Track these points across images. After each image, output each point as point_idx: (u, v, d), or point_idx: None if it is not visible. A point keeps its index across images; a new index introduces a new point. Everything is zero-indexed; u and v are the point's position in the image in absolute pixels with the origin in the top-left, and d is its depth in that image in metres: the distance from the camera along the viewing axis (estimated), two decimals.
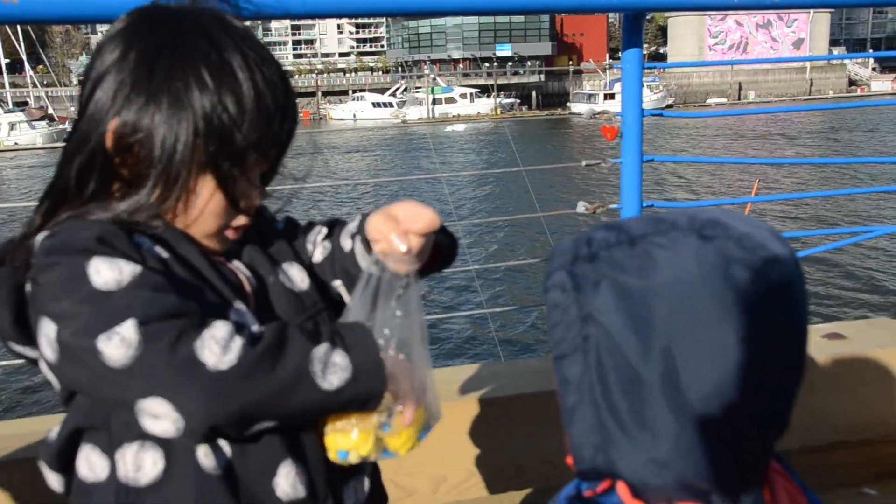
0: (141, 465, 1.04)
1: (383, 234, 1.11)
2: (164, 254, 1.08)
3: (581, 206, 2.69)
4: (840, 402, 2.52)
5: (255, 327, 1.01)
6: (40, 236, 1.05)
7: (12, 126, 50.17)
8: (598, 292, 0.79)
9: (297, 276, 1.25)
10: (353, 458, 1.11)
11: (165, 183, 1.07)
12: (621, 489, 0.81)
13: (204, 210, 1.10)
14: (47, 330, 0.96)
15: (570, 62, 79.82)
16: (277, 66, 1.11)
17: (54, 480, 1.14)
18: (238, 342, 0.94)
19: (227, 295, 1.10)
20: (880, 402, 2.57)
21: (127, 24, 1.09)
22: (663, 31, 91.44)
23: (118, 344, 0.91)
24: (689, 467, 0.76)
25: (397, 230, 1.09)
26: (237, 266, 1.18)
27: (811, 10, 67.90)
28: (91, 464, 1.08)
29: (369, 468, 1.25)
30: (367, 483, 1.23)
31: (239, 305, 1.11)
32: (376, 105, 67.27)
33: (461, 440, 2.24)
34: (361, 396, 1.02)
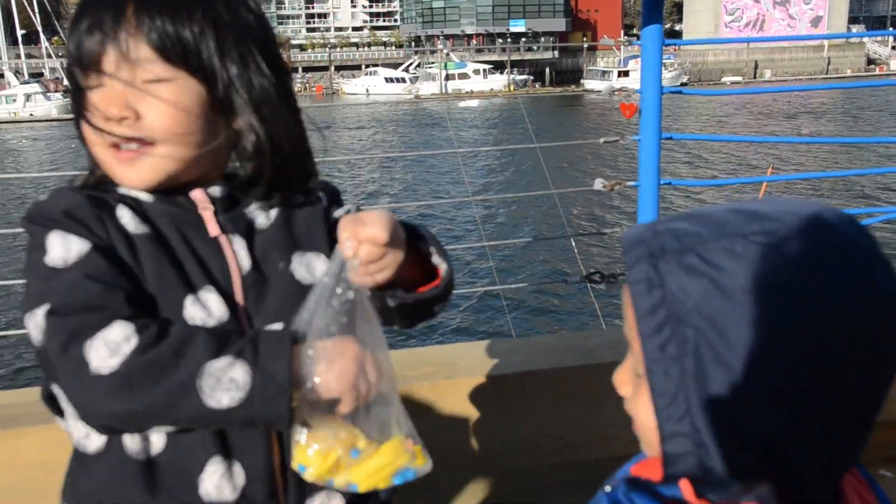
0: (88, 432, 1.08)
1: (340, 237, 1.04)
2: (139, 228, 1.07)
3: (598, 184, 2.67)
4: None
5: (176, 325, 0.99)
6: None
7: (28, 97, 50.35)
8: (693, 289, 0.74)
9: (320, 269, 1.17)
10: (308, 477, 1.02)
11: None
12: (684, 486, 0.79)
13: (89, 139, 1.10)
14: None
15: (585, 38, 79.19)
16: None
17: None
18: (128, 347, 0.93)
19: (196, 278, 1.08)
20: None
21: None
22: (678, 7, 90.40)
23: (34, 326, 0.98)
24: (774, 468, 0.73)
25: (352, 233, 1.02)
26: (236, 245, 1.13)
27: None
28: (67, 422, 1.12)
29: None
30: (340, 500, 1.15)
31: (206, 291, 1.07)
32: (389, 80, 67.09)
33: (473, 415, 2.23)
34: (259, 419, 0.95)
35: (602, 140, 2.72)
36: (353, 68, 78.00)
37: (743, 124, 39.34)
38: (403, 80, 67.80)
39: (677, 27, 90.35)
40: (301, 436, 1.00)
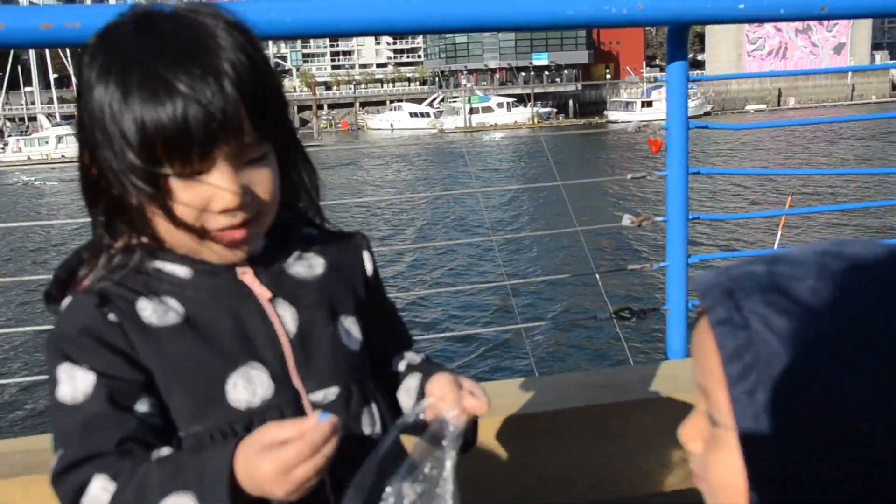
0: None
1: (439, 405, 1.07)
2: (165, 318, 1.07)
3: (626, 220, 2.68)
4: None
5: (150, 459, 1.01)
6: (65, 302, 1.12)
7: (60, 139, 51.43)
8: (782, 330, 0.69)
9: (354, 331, 1.19)
10: None
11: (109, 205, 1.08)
12: None
13: (165, 224, 1.05)
14: None
15: (608, 70, 79.52)
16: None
17: None
18: (106, 497, 0.98)
19: (239, 356, 1.08)
20: None
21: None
22: (700, 37, 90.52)
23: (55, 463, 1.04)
24: None
25: (454, 402, 1.07)
26: (281, 310, 1.12)
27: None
28: None
29: None
30: None
31: (250, 368, 1.08)
32: (413, 115, 67.56)
33: (508, 453, 2.23)
34: None
35: (630, 176, 2.73)
36: (377, 104, 78.64)
37: (774, 150, 39.14)
38: (428, 115, 68.19)
39: (700, 57, 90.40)
40: None
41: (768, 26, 74.98)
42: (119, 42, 1.02)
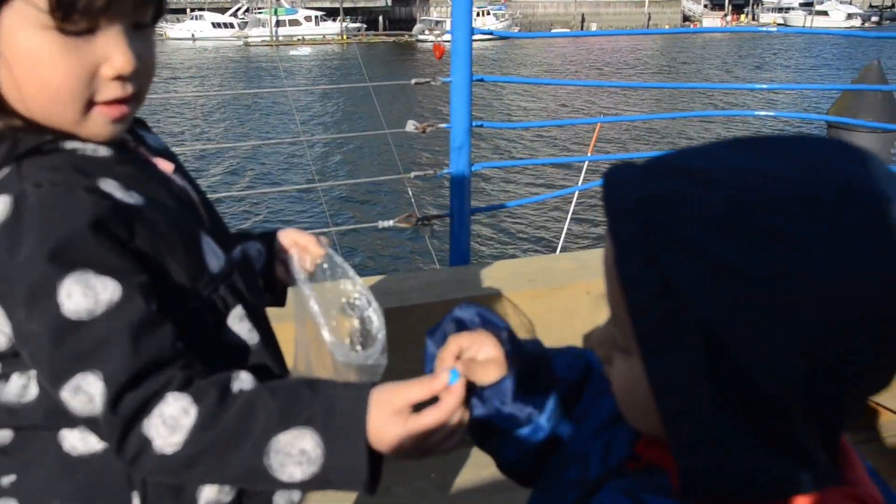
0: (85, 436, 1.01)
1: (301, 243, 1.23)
2: (129, 197, 0.93)
3: (410, 126, 2.65)
4: None
5: (238, 384, 0.92)
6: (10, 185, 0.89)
7: None
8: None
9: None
10: None
11: None
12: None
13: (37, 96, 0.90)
14: (11, 314, 0.89)
15: None
16: None
17: None
18: (188, 421, 0.87)
19: (194, 221, 1.04)
20: None
21: None
22: None
23: (83, 400, 0.87)
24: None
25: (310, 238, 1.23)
26: (182, 182, 1.07)
27: None
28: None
29: None
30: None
31: (203, 233, 1.03)
32: (216, 25, 64.46)
33: None
34: (338, 486, 0.91)
35: (413, 81, 2.69)
36: (177, 12, 74.06)
37: (574, 72, 40.73)
38: (232, 26, 65.27)
39: None
40: None
41: None
42: None
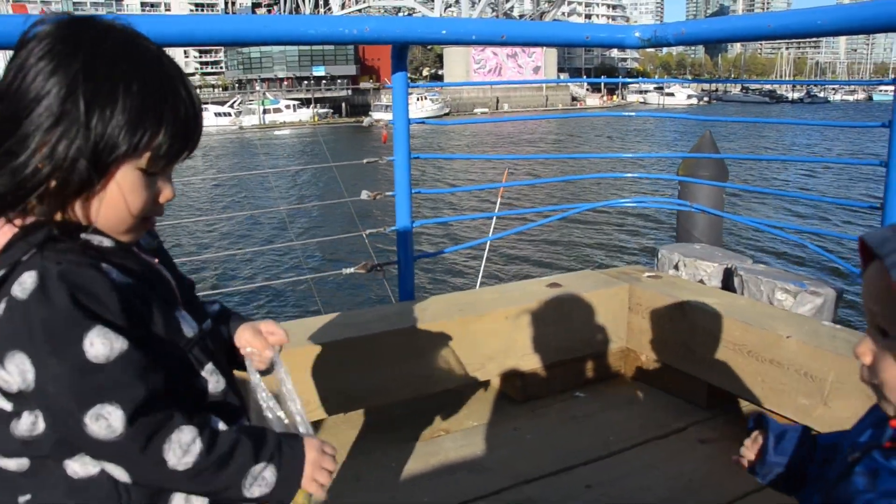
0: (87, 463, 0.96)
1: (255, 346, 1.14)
2: (125, 279, 0.92)
3: (364, 194, 2.64)
4: (558, 331, 2.66)
5: (220, 424, 0.96)
6: (29, 257, 0.87)
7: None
8: None
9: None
10: None
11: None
12: None
13: (127, 205, 0.93)
14: (23, 367, 0.85)
15: (371, 80, 79.35)
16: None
17: None
18: (196, 448, 0.91)
19: (172, 299, 1.01)
20: (586, 329, 2.74)
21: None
22: (440, 58, 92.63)
23: (103, 425, 0.86)
24: None
25: (262, 342, 1.14)
26: (164, 268, 1.05)
27: (543, 46, 71.75)
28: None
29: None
30: None
31: (180, 310, 1.01)
32: (218, 115, 64.22)
33: (311, 376, 2.16)
34: (272, 501, 1.00)
35: (365, 161, 2.69)
36: None
37: (491, 144, 41.25)
38: (229, 115, 65.15)
39: (440, 72, 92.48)
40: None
41: (488, 51, 78.42)
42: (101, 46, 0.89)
